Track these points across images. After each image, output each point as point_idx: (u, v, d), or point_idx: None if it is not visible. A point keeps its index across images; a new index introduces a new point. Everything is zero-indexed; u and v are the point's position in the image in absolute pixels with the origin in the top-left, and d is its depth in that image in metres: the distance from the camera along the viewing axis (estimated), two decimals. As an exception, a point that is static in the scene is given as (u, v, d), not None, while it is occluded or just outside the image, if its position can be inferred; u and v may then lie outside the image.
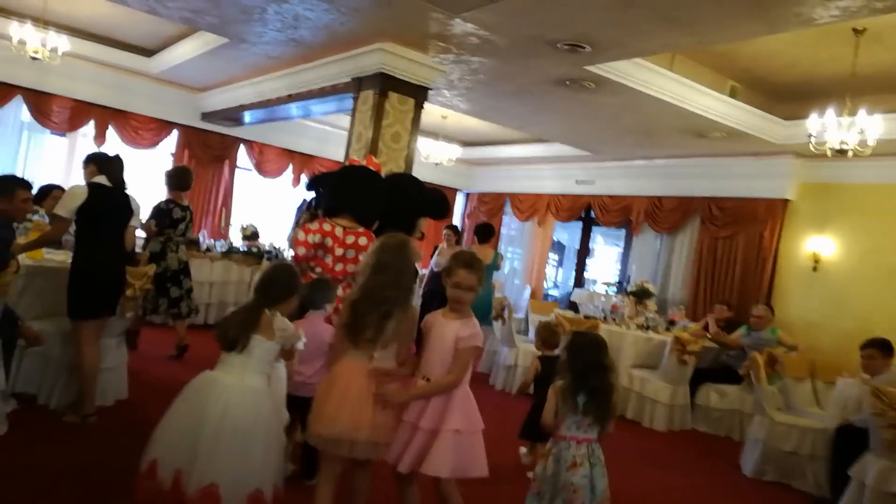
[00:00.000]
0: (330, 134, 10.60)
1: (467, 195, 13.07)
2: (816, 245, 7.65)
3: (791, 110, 7.14)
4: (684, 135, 7.54)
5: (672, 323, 7.22)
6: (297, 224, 6.33)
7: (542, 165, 11.17)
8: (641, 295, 7.42)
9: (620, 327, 6.79)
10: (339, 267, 3.84)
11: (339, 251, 3.86)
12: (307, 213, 6.37)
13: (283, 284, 2.95)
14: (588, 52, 5.30)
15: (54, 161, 9.31)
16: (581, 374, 2.89)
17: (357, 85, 6.20)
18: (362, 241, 3.89)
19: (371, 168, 4.50)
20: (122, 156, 4.44)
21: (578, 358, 2.94)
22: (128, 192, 4.30)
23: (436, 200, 4.72)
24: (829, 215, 7.63)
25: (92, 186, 4.09)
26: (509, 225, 12.54)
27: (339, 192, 4.14)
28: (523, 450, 4.68)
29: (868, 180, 7.32)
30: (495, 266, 7.33)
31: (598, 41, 5.08)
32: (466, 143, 11.15)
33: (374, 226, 4.14)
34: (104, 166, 4.23)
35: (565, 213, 10.85)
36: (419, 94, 6.11)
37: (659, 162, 9.25)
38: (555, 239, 12.29)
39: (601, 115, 7.25)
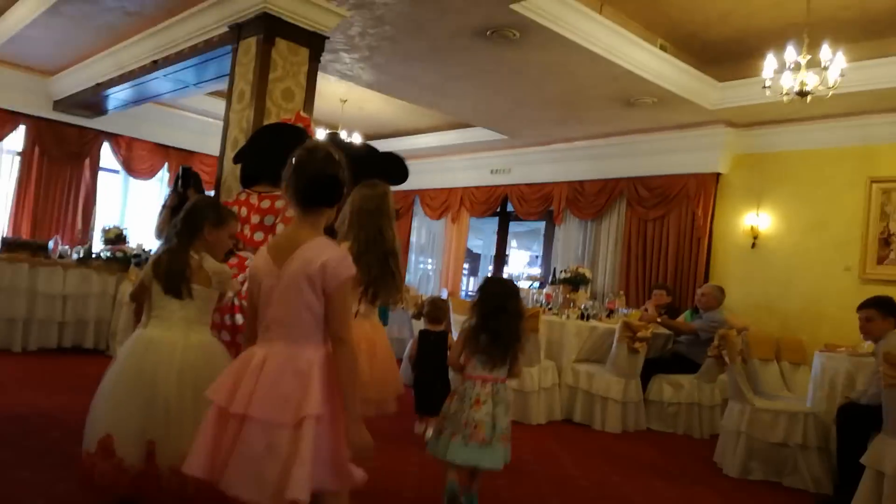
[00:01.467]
0: (212, 126, 9.25)
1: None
2: (754, 221, 7.07)
3: (722, 73, 6.58)
4: (612, 103, 6.82)
5: (612, 312, 6.41)
6: (164, 208, 5.10)
7: (454, 156, 10.22)
8: (577, 283, 6.58)
9: (560, 318, 5.91)
10: (258, 236, 3.34)
11: (255, 218, 3.35)
12: (174, 194, 5.14)
13: (204, 211, 2.66)
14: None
15: None
16: (486, 317, 2.96)
17: (236, 34, 5.04)
18: (279, 203, 3.34)
19: (295, 125, 3.78)
20: None
21: (487, 301, 3.01)
22: None
23: (393, 163, 3.66)
24: (765, 188, 7.06)
25: None
26: (419, 230, 11.46)
27: (253, 155, 3.59)
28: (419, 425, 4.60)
29: (806, 146, 6.82)
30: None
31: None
32: (369, 137, 10.06)
33: None
34: None
35: (481, 207, 9.94)
36: (314, 42, 5.02)
37: (580, 143, 8.51)
38: (468, 247, 11.37)
39: (523, 80, 6.40)
